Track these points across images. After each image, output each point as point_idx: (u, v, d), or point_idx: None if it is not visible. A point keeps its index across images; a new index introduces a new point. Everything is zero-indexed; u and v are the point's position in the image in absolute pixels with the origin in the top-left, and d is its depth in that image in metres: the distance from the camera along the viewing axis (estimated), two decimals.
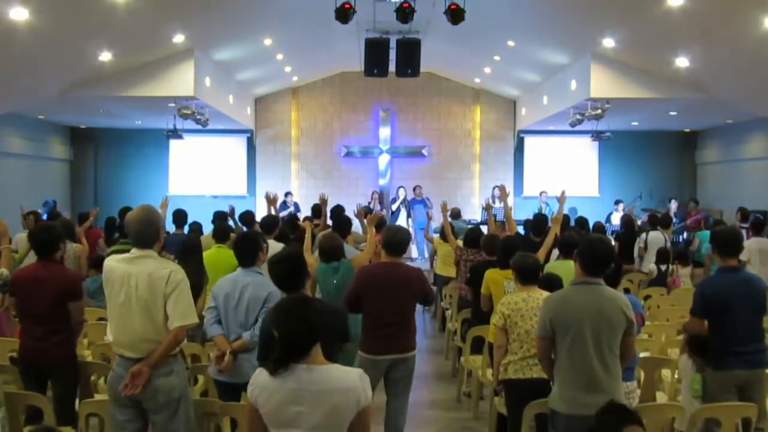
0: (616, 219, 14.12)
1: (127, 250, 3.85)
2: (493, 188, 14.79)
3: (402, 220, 14.85)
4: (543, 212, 13.44)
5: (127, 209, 9.19)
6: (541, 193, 15.10)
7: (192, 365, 4.95)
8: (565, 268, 5.34)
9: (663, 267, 8.49)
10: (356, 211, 8.23)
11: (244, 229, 8.24)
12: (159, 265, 3.71)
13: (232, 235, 7.52)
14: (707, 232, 10.17)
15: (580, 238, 5.61)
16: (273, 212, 8.35)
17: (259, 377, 2.67)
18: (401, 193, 15.17)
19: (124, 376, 3.65)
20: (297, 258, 3.86)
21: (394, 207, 15.04)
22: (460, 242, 7.87)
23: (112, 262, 3.79)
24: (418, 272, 4.99)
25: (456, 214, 11.21)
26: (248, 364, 4.23)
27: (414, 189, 15.20)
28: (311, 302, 2.76)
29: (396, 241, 4.85)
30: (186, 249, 5.86)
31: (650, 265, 8.80)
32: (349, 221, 7.42)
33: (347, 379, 2.62)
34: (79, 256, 7.11)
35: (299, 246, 6.24)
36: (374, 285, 4.75)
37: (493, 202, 14.63)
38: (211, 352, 5.13)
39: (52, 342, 4.38)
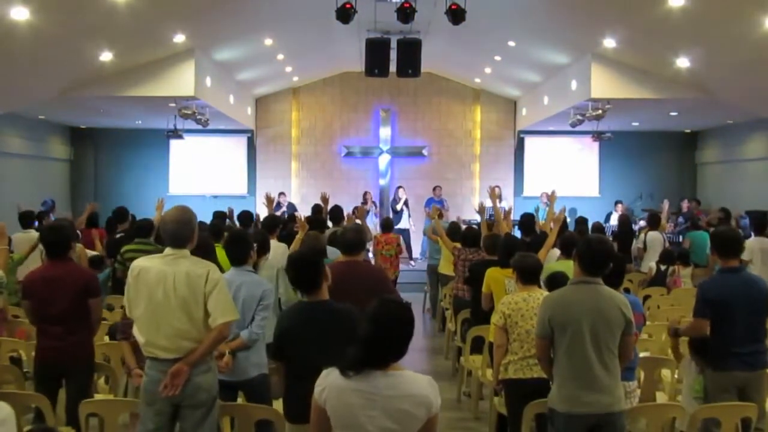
0: (615, 219, 14.12)
1: (144, 251, 3.83)
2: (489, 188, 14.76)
3: (405, 221, 14.77)
4: (540, 211, 13.42)
5: (122, 209, 9.22)
6: (542, 194, 15.10)
7: None
8: (565, 268, 5.34)
9: (663, 267, 8.49)
10: (356, 213, 8.23)
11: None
12: (195, 265, 3.71)
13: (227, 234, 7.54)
14: (697, 233, 10.20)
15: (580, 238, 5.61)
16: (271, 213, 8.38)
17: (330, 377, 2.62)
18: (402, 194, 15.09)
19: (160, 379, 3.61)
20: (315, 257, 3.77)
21: (398, 207, 14.95)
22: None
23: (145, 262, 3.74)
24: (378, 272, 4.93)
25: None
26: (246, 362, 4.24)
27: (434, 189, 15.10)
28: (409, 312, 2.66)
29: (344, 240, 4.76)
30: (199, 248, 5.75)
31: (650, 264, 8.80)
32: (323, 219, 7.51)
33: (420, 386, 2.59)
34: (79, 256, 7.11)
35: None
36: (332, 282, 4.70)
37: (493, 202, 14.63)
38: None
39: (71, 341, 4.39)
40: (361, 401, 2.55)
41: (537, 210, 8.78)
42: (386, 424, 2.55)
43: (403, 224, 14.61)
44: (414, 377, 2.62)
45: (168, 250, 3.74)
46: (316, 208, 9.13)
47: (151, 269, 3.69)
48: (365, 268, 4.83)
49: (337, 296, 3.90)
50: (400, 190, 15.18)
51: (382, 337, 2.57)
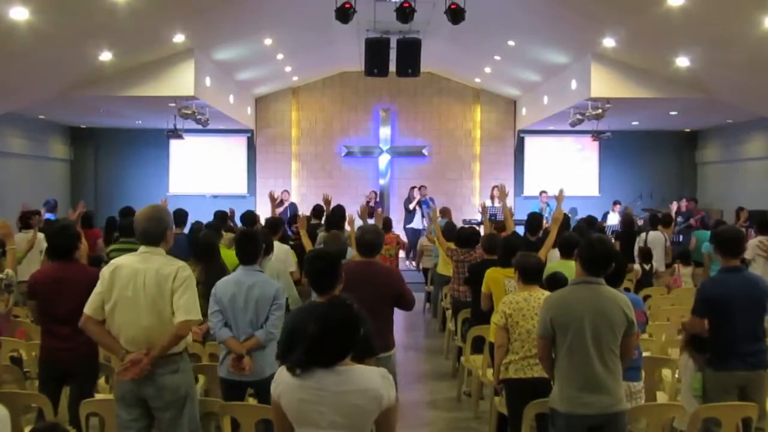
0: (612, 219, 14.11)
1: (128, 249, 3.84)
2: (492, 188, 14.78)
3: (417, 220, 14.69)
4: (543, 212, 13.44)
5: (128, 209, 9.21)
6: (541, 193, 15.09)
7: (192, 365, 4.94)
8: (566, 268, 5.33)
9: (647, 266, 8.45)
10: (359, 211, 8.22)
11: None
12: (166, 262, 3.73)
13: (228, 234, 7.57)
14: (704, 232, 10.19)
15: (580, 238, 5.59)
16: (273, 211, 8.44)
17: (283, 374, 2.64)
18: (416, 193, 14.94)
19: None
20: (336, 257, 3.78)
21: (411, 206, 14.92)
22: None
23: (121, 260, 3.79)
24: (392, 272, 4.92)
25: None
26: (262, 361, 4.26)
27: (419, 189, 15.08)
28: (359, 315, 2.65)
29: (364, 242, 4.73)
30: (203, 247, 5.71)
31: (635, 266, 8.77)
32: (341, 219, 7.50)
33: (368, 380, 2.59)
34: (81, 256, 7.09)
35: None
36: (345, 283, 4.70)
37: (492, 202, 14.65)
38: (213, 351, 5.14)
39: (79, 341, 4.37)
40: (310, 397, 2.56)
41: (542, 210, 8.75)
42: (337, 419, 2.55)
43: (415, 224, 14.54)
44: (364, 371, 2.61)
45: (142, 248, 3.78)
46: (317, 209, 9.13)
47: (124, 266, 3.73)
48: (380, 268, 4.81)
49: (349, 292, 3.83)
50: (415, 189, 15.04)
51: (324, 338, 2.57)
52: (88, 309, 3.75)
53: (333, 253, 3.79)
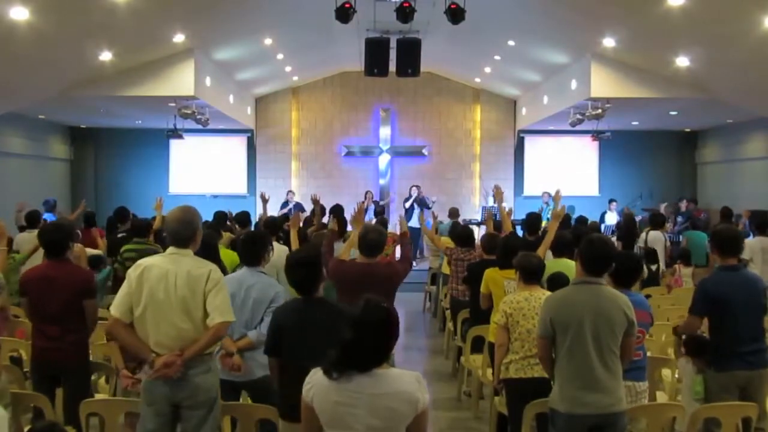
0: (610, 218, 14.10)
1: (142, 249, 3.81)
2: (494, 186, 14.77)
3: (415, 219, 14.68)
4: (543, 212, 13.45)
5: (122, 209, 9.25)
6: (543, 193, 15.10)
7: None
8: (559, 266, 5.34)
9: (654, 267, 8.45)
10: (356, 209, 8.22)
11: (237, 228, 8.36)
12: (197, 264, 3.71)
13: (227, 234, 7.58)
14: (695, 233, 10.19)
15: (573, 238, 5.60)
16: (261, 211, 8.66)
17: (316, 376, 2.63)
18: (413, 191, 14.99)
19: (159, 377, 3.60)
20: (317, 259, 3.83)
21: (407, 205, 14.93)
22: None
23: (149, 261, 3.74)
24: (387, 265, 4.93)
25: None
26: (252, 362, 4.24)
27: (415, 188, 15.12)
28: (395, 317, 2.64)
29: (366, 242, 4.71)
30: (206, 247, 5.74)
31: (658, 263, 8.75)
32: (345, 220, 7.48)
33: (404, 383, 2.59)
34: (78, 257, 7.09)
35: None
36: (344, 282, 4.60)
37: (494, 201, 14.64)
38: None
39: (67, 341, 4.38)
40: (346, 400, 2.56)
41: (541, 210, 8.75)
42: (372, 422, 2.55)
43: (413, 223, 14.50)
44: (399, 374, 2.62)
45: (170, 249, 3.75)
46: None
47: (154, 267, 3.68)
48: (380, 265, 4.80)
49: (348, 292, 3.83)
50: (413, 188, 15.04)
51: (360, 342, 2.57)
52: (115, 311, 3.66)
53: (309, 257, 3.83)
